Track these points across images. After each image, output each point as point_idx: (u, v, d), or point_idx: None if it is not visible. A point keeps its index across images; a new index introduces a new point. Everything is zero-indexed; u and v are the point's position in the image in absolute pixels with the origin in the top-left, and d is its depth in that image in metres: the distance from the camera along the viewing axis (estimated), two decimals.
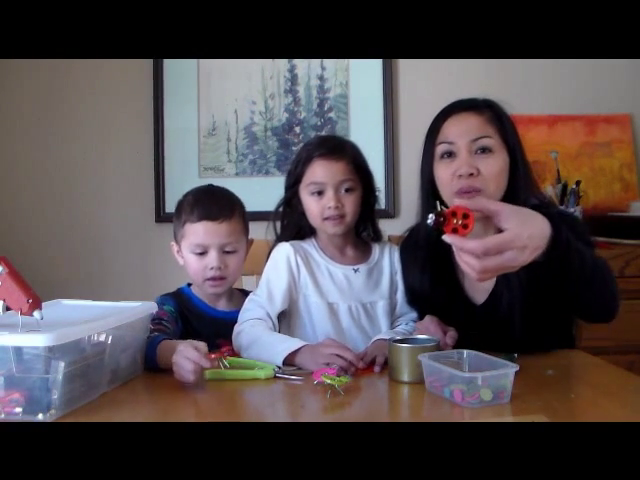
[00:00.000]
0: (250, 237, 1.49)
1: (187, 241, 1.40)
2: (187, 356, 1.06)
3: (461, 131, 1.26)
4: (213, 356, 1.10)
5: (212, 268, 1.37)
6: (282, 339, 1.26)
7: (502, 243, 0.94)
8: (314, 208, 1.36)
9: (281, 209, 1.45)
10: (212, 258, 1.37)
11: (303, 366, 1.17)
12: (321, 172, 1.35)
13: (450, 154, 1.26)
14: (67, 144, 2.49)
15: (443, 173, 1.27)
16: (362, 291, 1.39)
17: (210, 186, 1.49)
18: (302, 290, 1.38)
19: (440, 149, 1.28)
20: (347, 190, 1.35)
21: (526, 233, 0.95)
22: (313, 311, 1.37)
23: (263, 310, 1.34)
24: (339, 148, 1.37)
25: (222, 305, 1.45)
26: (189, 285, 1.49)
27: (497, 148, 1.25)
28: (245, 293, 1.49)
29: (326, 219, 1.35)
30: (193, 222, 1.38)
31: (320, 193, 1.35)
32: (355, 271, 1.40)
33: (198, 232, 1.38)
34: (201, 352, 1.07)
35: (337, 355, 1.14)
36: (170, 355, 1.09)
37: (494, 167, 1.24)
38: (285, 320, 1.40)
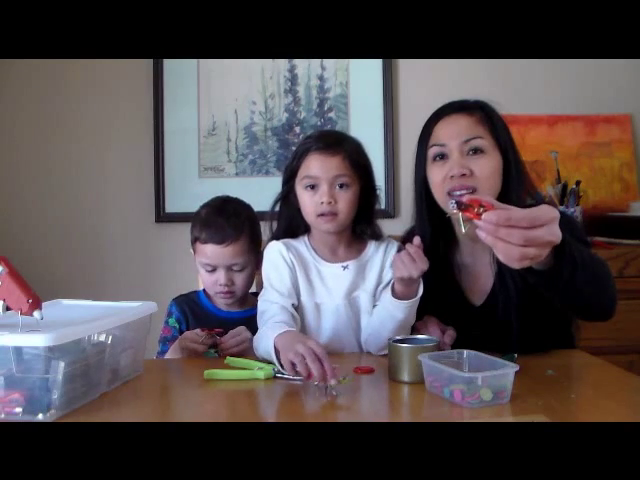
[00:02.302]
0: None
1: (198, 257, 1.47)
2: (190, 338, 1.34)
3: (452, 133, 1.26)
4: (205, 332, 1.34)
5: (221, 284, 1.44)
6: (276, 327, 1.20)
7: (543, 214, 0.89)
8: (308, 203, 1.32)
9: (278, 205, 1.41)
10: (220, 276, 1.44)
11: (279, 348, 1.13)
12: (316, 166, 1.31)
13: (442, 156, 1.26)
14: (67, 144, 2.49)
15: (436, 175, 1.27)
16: (348, 287, 1.36)
17: (224, 202, 1.51)
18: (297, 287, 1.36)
19: (432, 151, 1.28)
20: (341, 186, 1.30)
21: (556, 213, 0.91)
22: (303, 309, 1.36)
23: (277, 305, 1.30)
24: (336, 143, 1.33)
25: (235, 308, 1.51)
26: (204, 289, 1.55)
27: (489, 149, 1.25)
28: (257, 295, 1.51)
29: (320, 216, 1.31)
30: (202, 243, 1.45)
31: (314, 187, 1.31)
32: (344, 268, 1.36)
33: (206, 253, 1.44)
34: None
35: (304, 360, 1.05)
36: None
37: (487, 167, 1.24)
38: None
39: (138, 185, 2.50)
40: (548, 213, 0.90)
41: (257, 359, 1.22)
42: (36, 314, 0.95)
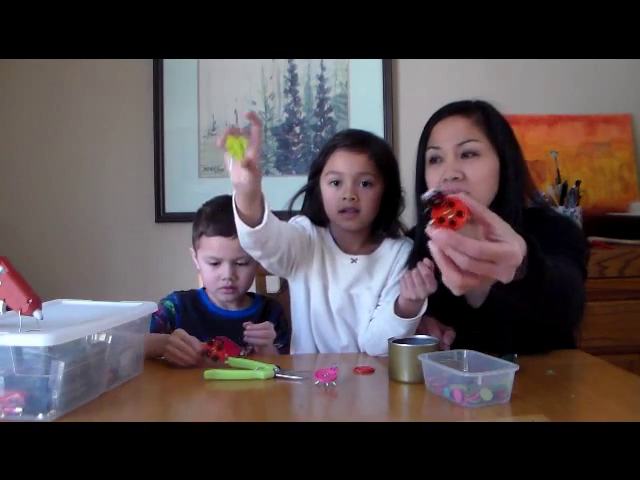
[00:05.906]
0: None
1: (202, 252, 1.46)
2: (187, 340, 1.21)
3: (447, 135, 1.26)
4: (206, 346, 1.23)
5: (224, 279, 1.43)
6: None
7: (500, 254, 0.80)
8: (331, 198, 1.35)
9: (303, 196, 1.45)
10: (225, 269, 1.43)
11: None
12: (341, 162, 1.34)
13: (438, 159, 1.26)
14: (67, 144, 2.49)
15: (432, 178, 1.27)
16: (350, 282, 1.38)
17: (227, 199, 1.50)
18: (307, 262, 1.39)
19: (429, 154, 1.29)
20: (365, 184, 1.33)
21: (521, 255, 0.82)
22: (311, 288, 1.39)
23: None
24: (363, 141, 1.37)
25: (233, 308, 1.50)
26: (204, 288, 1.54)
27: (484, 151, 1.24)
28: (253, 295, 1.54)
29: (341, 212, 1.34)
30: (209, 236, 1.44)
31: (338, 183, 1.34)
32: (352, 261, 1.39)
33: (213, 246, 1.44)
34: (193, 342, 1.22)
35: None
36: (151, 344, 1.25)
37: (480, 171, 1.23)
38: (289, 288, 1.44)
39: (138, 185, 2.50)
40: (508, 253, 0.80)
41: (257, 359, 1.22)
42: (36, 314, 0.95)
